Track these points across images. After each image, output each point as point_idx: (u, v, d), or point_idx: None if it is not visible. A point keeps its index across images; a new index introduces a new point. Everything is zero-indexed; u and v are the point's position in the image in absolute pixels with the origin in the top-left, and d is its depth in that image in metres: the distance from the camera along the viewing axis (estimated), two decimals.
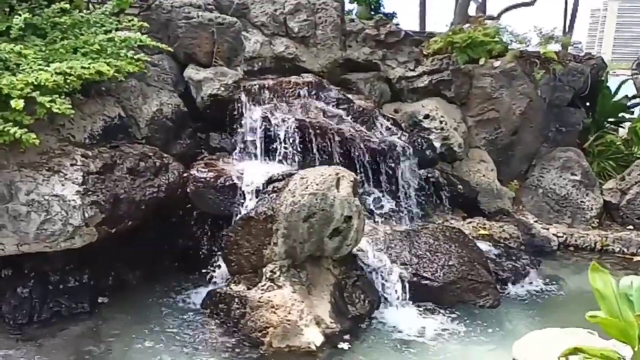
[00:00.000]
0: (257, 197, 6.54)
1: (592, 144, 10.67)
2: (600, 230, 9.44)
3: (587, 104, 10.96)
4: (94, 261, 6.32)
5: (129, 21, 7.05)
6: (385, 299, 6.56)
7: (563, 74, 10.11)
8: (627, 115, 11.42)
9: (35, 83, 5.46)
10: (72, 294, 6.17)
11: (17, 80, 5.42)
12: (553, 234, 9.15)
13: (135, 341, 5.72)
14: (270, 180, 6.62)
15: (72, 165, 5.84)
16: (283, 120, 7.34)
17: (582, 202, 9.69)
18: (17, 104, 5.21)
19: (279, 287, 5.90)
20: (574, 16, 16.74)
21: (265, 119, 7.39)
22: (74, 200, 5.63)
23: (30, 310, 5.93)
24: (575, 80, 10.28)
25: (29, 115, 5.46)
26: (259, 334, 5.64)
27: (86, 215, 5.68)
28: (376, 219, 7.60)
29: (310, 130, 7.35)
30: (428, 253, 6.94)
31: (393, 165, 7.79)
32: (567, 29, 16.42)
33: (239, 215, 6.41)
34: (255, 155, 7.36)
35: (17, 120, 5.39)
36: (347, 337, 5.90)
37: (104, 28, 6.78)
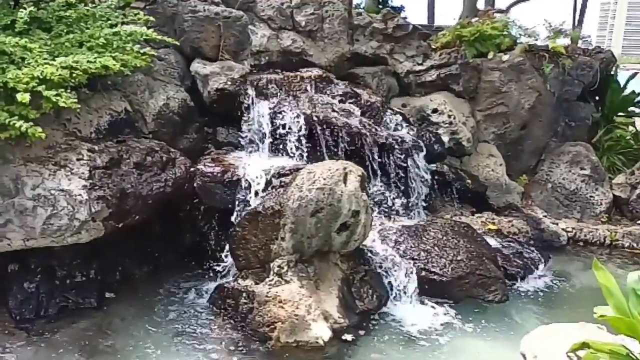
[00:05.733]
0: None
1: (601, 138, 10.62)
2: (609, 225, 9.39)
3: (597, 98, 10.91)
4: (101, 256, 6.32)
5: (135, 15, 7.04)
6: (394, 294, 6.53)
7: (572, 68, 10.05)
8: (637, 110, 11.34)
9: (41, 77, 5.44)
10: (79, 289, 6.16)
11: (22, 74, 5.40)
12: (562, 229, 9.10)
13: (143, 336, 5.71)
14: (276, 175, 6.60)
15: (78, 159, 5.82)
16: (290, 115, 7.33)
17: (591, 196, 9.66)
18: (24, 97, 5.18)
19: (287, 282, 5.89)
20: (583, 10, 16.63)
21: (272, 113, 7.38)
22: (80, 195, 5.61)
23: (37, 305, 5.92)
24: (584, 75, 10.23)
25: (34, 110, 5.43)
26: (267, 329, 5.62)
27: (93, 210, 5.66)
28: (384, 214, 7.56)
29: (318, 125, 7.34)
30: (436, 248, 6.91)
31: (401, 160, 7.76)
32: (576, 23, 16.31)
33: (245, 210, 6.39)
34: (263, 150, 7.34)
35: (23, 114, 5.36)
36: (355, 332, 5.88)
37: (109, 22, 6.76)
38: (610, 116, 10.94)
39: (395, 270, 6.59)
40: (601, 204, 9.63)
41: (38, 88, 5.40)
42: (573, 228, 9.19)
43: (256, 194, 6.53)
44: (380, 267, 6.62)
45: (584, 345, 3.58)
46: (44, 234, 5.54)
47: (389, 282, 6.55)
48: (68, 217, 5.56)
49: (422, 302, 6.55)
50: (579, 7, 16.54)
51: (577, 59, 10.18)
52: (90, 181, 5.73)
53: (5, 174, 5.48)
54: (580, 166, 9.82)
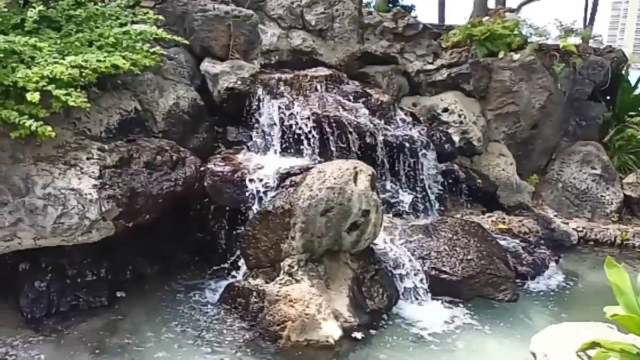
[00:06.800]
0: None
1: (612, 138, 10.58)
2: (620, 224, 9.37)
3: (608, 97, 10.87)
4: (111, 255, 6.32)
5: (145, 14, 7.06)
6: (404, 293, 6.51)
7: (583, 68, 10.03)
8: None
9: (51, 76, 5.45)
10: (90, 288, 6.17)
11: (32, 73, 5.41)
12: (573, 229, 9.08)
13: (153, 335, 5.71)
14: (286, 174, 6.58)
15: (88, 159, 5.82)
16: (300, 114, 7.30)
17: (602, 196, 9.63)
18: (33, 97, 5.19)
19: (297, 281, 5.88)
20: (594, 9, 16.59)
21: (282, 112, 7.35)
22: (90, 194, 5.61)
23: (48, 304, 5.93)
24: (595, 74, 10.20)
25: (44, 109, 5.44)
26: (277, 328, 5.62)
27: (103, 209, 5.66)
28: (395, 213, 7.55)
29: (328, 124, 7.31)
30: (447, 247, 6.89)
31: (412, 159, 7.75)
32: (587, 22, 16.29)
33: (256, 209, 6.38)
34: (273, 149, 7.32)
35: (33, 113, 5.37)
36: (365, 330, 5.87)
37: (119, 21, 6.78)
38: (621, 115, 10.90)
39: (405, 270, 6.58)
40: (612, 203, 9.60)
41: (48, 87, 5.41)
42: (583, 228, 9.17)
43: (266, 193, 6.53)
44: (391, 266, 6.61)
45: (594, 344, 3.58)
46: (54, 233, 5.54)
47: (400, 282, 6.54)
48: (78, 216, 5.56)
49: (433, 301, 6.54)
50: (590, 6, 16.50)
51: (588, 58, 10.16)
52: (101, 180, 5.73)
53: (15, 173, 5.49)
54: (591, 166, 9.79)
